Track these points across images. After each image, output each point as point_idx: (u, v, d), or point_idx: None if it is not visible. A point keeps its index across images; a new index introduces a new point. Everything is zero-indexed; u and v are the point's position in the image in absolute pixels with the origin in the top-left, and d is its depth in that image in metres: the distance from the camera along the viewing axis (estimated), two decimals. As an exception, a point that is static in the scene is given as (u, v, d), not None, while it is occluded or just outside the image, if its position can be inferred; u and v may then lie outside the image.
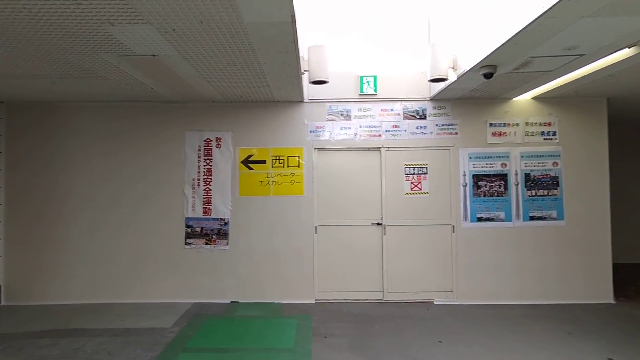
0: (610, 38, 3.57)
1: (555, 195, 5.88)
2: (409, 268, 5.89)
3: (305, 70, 4.91)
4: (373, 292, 5.90)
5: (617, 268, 6.00)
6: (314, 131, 5.95)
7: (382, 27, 5.86)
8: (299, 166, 5.93)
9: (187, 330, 4.79)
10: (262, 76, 4.60)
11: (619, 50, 3.94)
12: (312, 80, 4.92)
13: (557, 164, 5.89)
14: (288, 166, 5.93)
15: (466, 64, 4.48)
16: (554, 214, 5.88)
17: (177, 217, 5.90)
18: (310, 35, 4.92)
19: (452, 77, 4.91)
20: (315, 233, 5.91)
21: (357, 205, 5.96)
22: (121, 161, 5.93)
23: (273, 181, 5.92)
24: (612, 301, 5.78)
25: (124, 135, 5.94)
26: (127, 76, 4.57)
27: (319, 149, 5.96)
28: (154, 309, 5.56)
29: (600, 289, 5.82)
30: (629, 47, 3.86)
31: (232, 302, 5.84)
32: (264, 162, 5.94)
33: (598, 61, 4.29)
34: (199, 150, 5.94)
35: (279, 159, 5.93)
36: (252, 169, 5.94)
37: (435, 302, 5.82)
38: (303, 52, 4.66)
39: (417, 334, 4.64)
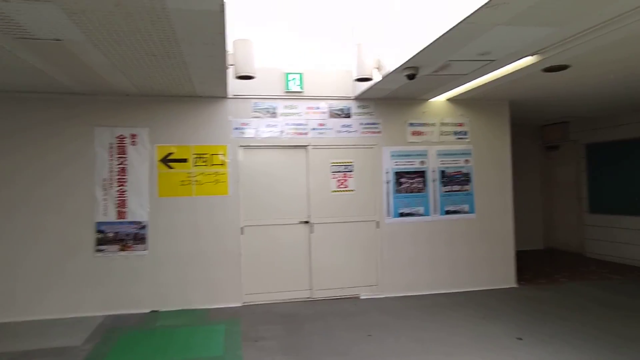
0: (517, 46, 3.92)
1: (467, 190, 6.35)
2: (336, 265, 5.97)
3: (230, 65, 4.72)
4: (301, 290, 5.88)
5: (518, 255, 6.64)
6: (238, 128, 5.75)
7: (308, 25, 5.84)
8: (223, 165, 5.69)
9: (102, 346, 4.34)
10: (185, 69, 4.32)
11: (523, 57, 4.35)
12: (238, 75, 4.76)
13: (468, 161, 6.36)
14: (212, 165, 5.66)
15: (391, 65, 4.64)
16: (466, 207, 6.34)
17: (87, 222, 5.33)
18: (235, 28, 4.74)
19: (377, 78, 5.05)
20: (242, 234, 5.72)
21: (284, 204, 5.89)
22: (18, 162, 5.20)
23: (196, 181, 5.61)
24: (515, 285, 6.39)
25: (19, 132, 5.22)
26: (23, 62, 4.00)
27: (244, 146, 5.78)
28: (61, 325, 4.96)
29: (505, 275, 6.40)
30: (532, 55, 4.28)
31: (152, 311, 5.43)
32: (185, 160, 5.60)
33: (504, 67, 4.69)
34: (111, 148, 5.43)
35: (201, 157, 5.64)
36: (172, 168, 5.57)
37: (361, 297, 5.96)
38: (228, 45, 4.46)
39: (347, 330, 4.69)
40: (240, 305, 5.66)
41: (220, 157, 5.69)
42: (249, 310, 5.46)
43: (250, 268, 5.74)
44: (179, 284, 5.53)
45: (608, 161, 8.12)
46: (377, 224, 6.08)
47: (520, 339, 4.34)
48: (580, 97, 6.27)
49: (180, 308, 5.49)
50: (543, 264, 7.97)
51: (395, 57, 4.51)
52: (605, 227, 8.14)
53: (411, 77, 4.59)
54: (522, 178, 9.12)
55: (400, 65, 4.43)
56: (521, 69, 4.58)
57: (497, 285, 6.33)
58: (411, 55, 4.12)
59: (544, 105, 6.98)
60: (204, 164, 5.65)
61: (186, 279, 5.55)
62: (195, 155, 5.63)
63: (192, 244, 5.58)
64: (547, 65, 4.48)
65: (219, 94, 5.55)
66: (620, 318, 4.88)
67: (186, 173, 5.60)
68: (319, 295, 5.90)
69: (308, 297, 5.88)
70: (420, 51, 3.94)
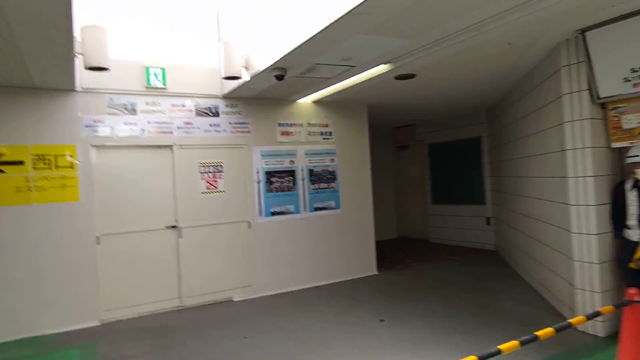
0: (374, 54, 4.30)
1: (334, 187, 6.74)
2: (208, 269, 5.75)
3: (78, 54, 4.16)
4: (170, 299, 5.51)
5: (376, 244, 7.28)
6: (90, 126, 5.12)
7: (172, 18, 5.49)
8: (72, 167, 5.00)
9: None
10: (18, 55, 3.66)
11: (378, 65, 4.79)
12: (89, 66, 4.23)
13: (334, 160, 6.76)
14: (57, 167, 4.92)
15: (260, 65, 4.65)
16: (333, 204, 6.73)
17: None
18: (88, 15, 4.20)
19: (246, 77, 5.01)
20: (98, 244, 5.11)
21: (148, 209, 5.44)
22: None
23: (36, 186, 4.81)
24: (376, 272, 7.02)
25: None
26: None
27: (98, 146, 5.16)
28: None
29: (367, 264, 6.99)
30: (385, 64, 4.74)
31: (-22, 346, 4.49)
32: (21, 162, 4.76)
33: (364, 73, 5.10)
34: None
35: (43, 159, 4.86)
36: (2, 172, 4.68)
37: (235, 299, 5.86)
38: (76, 31, 3.93)
39: (222, 336, 4.56)
40: (97, 324, 5.04)
41: (68, 159, 4.99)
42: (109, 329, 4.91)
43: (109, 282, 5.15)
44: (14, 309, 4.66)
45: (446, 159, 9.47)
46: (249, 225, 6.04)
47: (383, 320, 4.79)
48: (424, 102, 7.19)
49: (18, 337, 4.64)
50: (397, 251, 8.91)
51: (264, 57, 4.54)
52: (444, 215, 9.48)
53: (279, 77, 4.67)
54: (379, 175, 10.03)
55: (269, 66, 4.48)
56: (377, 75, 5.04)
57: (360, 274, 6.86)
58: (280, 57, 4.19)
59: (395, 109, 7.81)
60: (46, 166, 4.88)
61: (25, 303, 4.72)
62: (34, 157, 4.82)
63: (32, 260, 4.77)
64: (398, 73, 5.02)
65: (65, 87, 4.85)
66: (457, 292, 5.74)
67: (23, 177, 4.76)
68: (190, 302, 5.61)
69: (178, 306, 5.54)
70: (288, 53, 4.04)
